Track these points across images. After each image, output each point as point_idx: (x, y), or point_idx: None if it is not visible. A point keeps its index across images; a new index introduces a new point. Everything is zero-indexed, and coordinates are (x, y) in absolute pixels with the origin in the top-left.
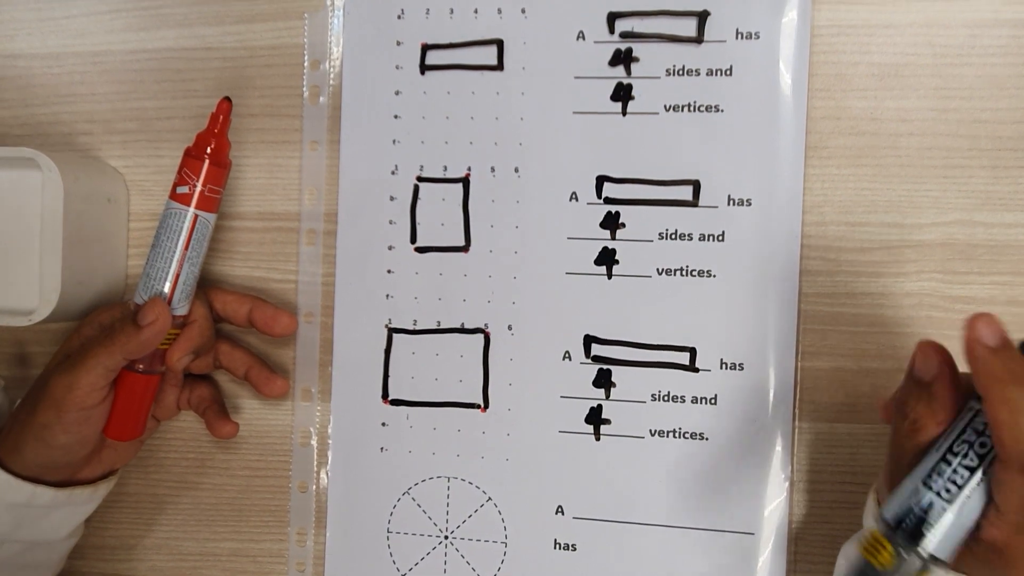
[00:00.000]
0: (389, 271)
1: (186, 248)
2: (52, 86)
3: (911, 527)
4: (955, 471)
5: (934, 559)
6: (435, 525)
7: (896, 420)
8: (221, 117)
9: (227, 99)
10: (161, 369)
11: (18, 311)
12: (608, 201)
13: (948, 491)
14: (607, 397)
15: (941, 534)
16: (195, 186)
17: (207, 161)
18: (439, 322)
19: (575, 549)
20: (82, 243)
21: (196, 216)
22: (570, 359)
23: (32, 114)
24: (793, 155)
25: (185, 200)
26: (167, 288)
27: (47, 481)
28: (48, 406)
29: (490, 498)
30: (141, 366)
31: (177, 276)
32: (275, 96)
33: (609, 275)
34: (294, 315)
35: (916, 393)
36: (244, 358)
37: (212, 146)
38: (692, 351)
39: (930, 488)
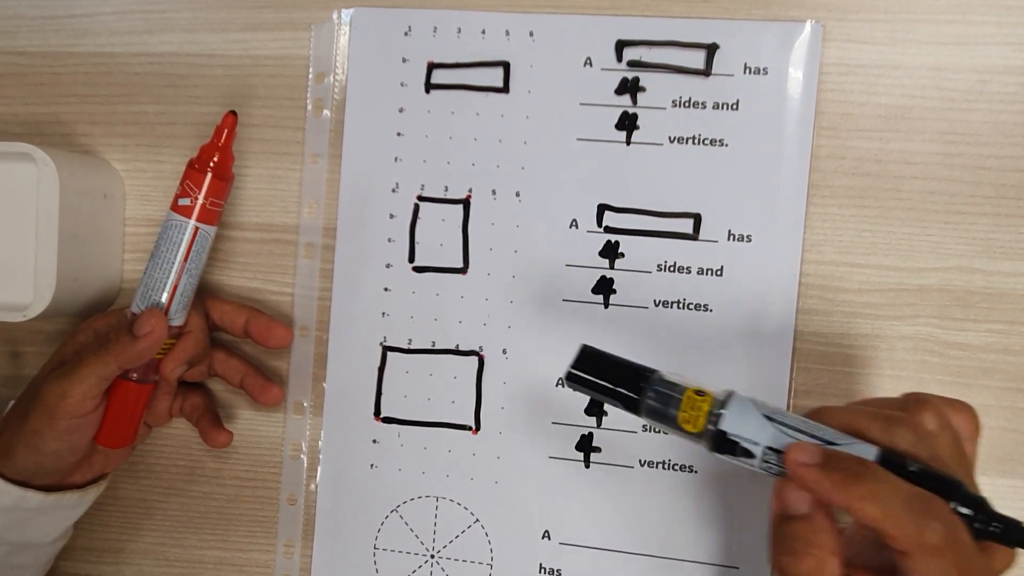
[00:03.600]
0: (386, 289)
1: (185, 260)
2: (53, 85)
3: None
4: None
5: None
6: (422, 544)
7: (786, 566)
8: (226, 130)
9: (233, 113)
10: (155, 378)
11: (13, 306)
12: (608, 230)
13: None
14: (598, 425)
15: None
16: (197, 199)
17: (210, 174)
18: (434, 342)
19: (560, 574)
20: (78, 239)
21: (196, 228)
22: (563, 386)
23: (32, 112)
24: (795, 193)
25: (186, 212)
26: (164, 298)
27: (36, 485)
28: (40, 413)
29: (478, 520)
30: (135, 375)
31: (175, 287)
32: (278, 107)
33: (606, 304)
34: (290, 328)
35: (798, 533)
36: (239, 366)
37: (215, 159)
38: None
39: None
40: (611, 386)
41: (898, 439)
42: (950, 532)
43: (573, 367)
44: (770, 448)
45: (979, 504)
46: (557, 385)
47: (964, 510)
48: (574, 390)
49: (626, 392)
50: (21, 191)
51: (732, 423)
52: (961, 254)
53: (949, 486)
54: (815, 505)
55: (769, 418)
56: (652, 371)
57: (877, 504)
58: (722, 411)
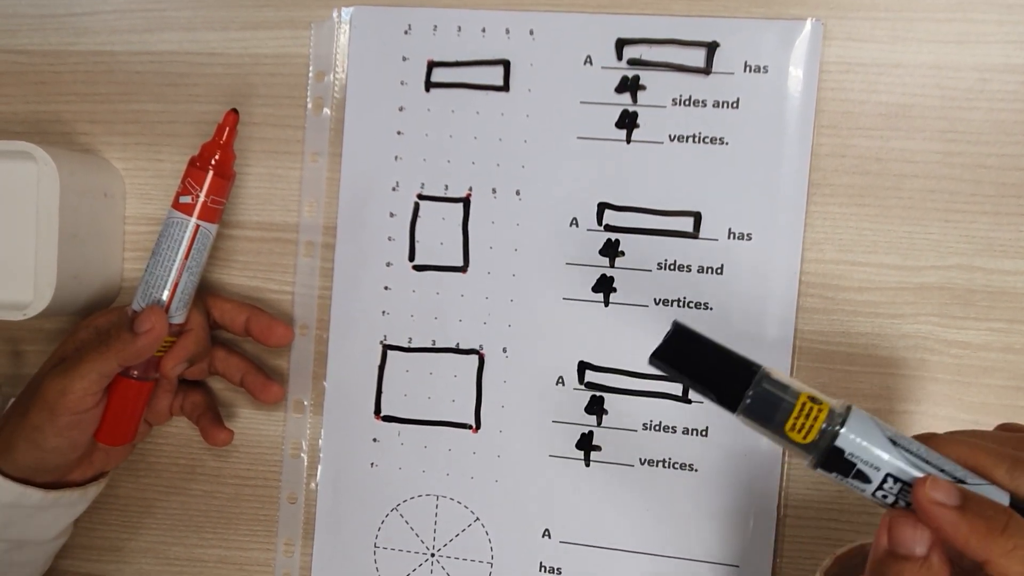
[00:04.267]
0: (386, 287)
1: (186, 257)
2: (53, 84)
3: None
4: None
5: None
6: (422, 542)
7: None
8: (227, 128)
9: (234, 111)
10: (155, 376)
11: (13, 305)
12: (608, 228)
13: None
14: (599, 424)
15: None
16: (198, 196)
17: (211, 172)
18: (434, 341)
19: (560, 573)
20: (78, 237)
21: (198, 226)
22: (563, 384)
23: (33, 111)
24: (796, 191)
25: (187, 210)
26: (165, 296)
27: (37, 482)
28: (41, 409)
29: (478, 518)
30: (135, 372)
31: (176, 285)
32: (278, 106)
33: (606, 303)
34: (290, 326)
35: (910, 574)
36: (240, 364)
37: (217, 157)
38: None
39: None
40: (706, 377)
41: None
42: None
43: (661, 346)
44: (892, 476)
45: None
46: (557, 384)
47: None
48: (659, 370)
49: (724, 387)
50: (21, 190)
51: (852, 442)
52: (961, 252)
53: None
54: (933, 547)
55: (894, 442)
56: (757, 366)
57: (1021, 562)
58: (841, 428)
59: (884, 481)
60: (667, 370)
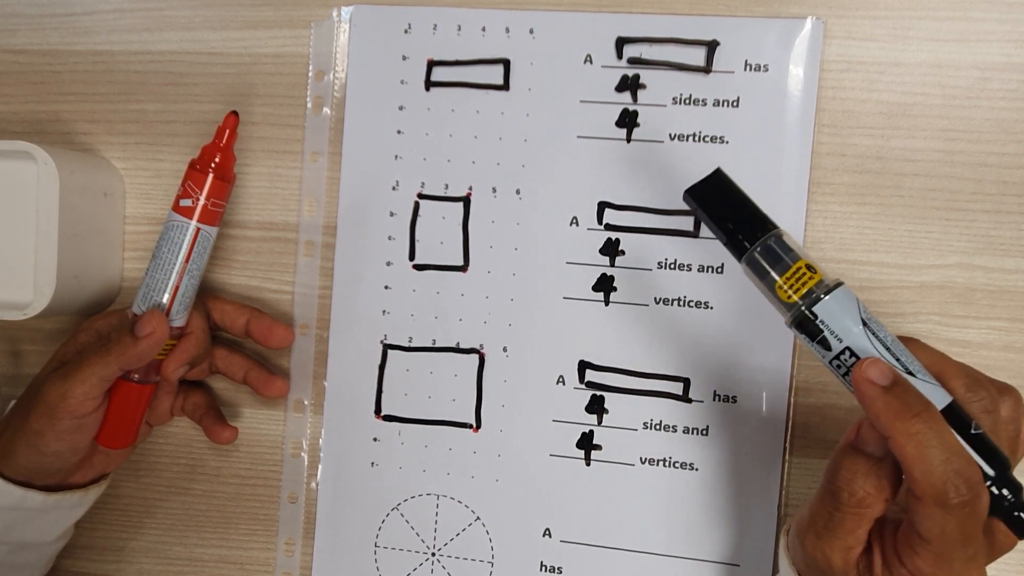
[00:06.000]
0: (386, 287)
1: (186, 261)
2: (53, 83)
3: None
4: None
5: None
6: (423, 542)
7: (837, 490)
8: (227, 131)
9: (234, 113)
10: (156, 379)
11: (13, 305)
12: (609, 227)
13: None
14: (599, 423)
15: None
16: (198, 200)
17: (211, 175)
18: (434, 340)
19: (561, 572)
20: (77, 237)
21: (198, 229)
22: (564, 383)
23: (32, 111)
24: (796, 190)
25: (188, 213)
26: (166, 299)
27: (38, 485)
28: (41, 413)
29: (478, 517)
30: (136, 376)
31: (176, 288)
32: (278, 105)
33: (606, 302)
34: (291, 328)
35: (862, 468)
36: (242, 362)
37: (217, 160)
38: (686, 381)
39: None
40: (726, 221)
41: (973, 401)
42: (973, 500)
43: (697, 184)
44: (850, 350)
45: (1018, 489)
46: (557, 383)
47: (1005, 490)
48: (688, 206)
49: (738, 234)
50: (21, 189)
51: (828, 311)
52: (962, 251)
53: (1001, 462)
54: (887, 452)
55: (865, 323)
56: (775, 226)
57: (918, 446)
58: (824, 296)
59: (842, 352)
60: (697, 206)
